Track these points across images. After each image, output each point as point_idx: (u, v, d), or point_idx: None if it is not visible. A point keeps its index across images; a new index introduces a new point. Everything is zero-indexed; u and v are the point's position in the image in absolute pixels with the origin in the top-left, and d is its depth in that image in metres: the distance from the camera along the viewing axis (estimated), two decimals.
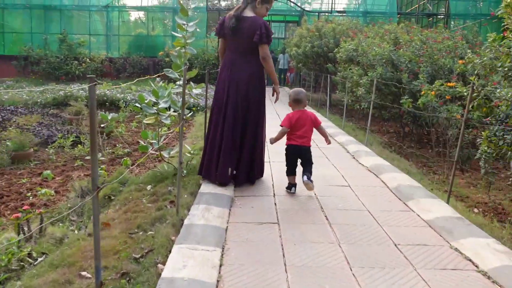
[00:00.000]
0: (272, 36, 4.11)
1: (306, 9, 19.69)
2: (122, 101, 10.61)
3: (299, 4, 19.26)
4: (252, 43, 3.95)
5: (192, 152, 5.04)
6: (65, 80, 17.78)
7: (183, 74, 3.54)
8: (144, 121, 4.25)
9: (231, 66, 4.10)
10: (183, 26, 4.47)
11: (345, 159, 5.54)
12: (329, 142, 4.19)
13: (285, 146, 4.11)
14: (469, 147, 6.19)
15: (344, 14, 19.15)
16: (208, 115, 4.78)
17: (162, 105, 4.25)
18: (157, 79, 4.34)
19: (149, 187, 4.37)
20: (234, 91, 4.02)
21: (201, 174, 4.25)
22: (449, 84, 6.10)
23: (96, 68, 18.35)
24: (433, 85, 6.20)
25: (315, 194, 3.94)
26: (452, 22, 19.01)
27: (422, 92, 6.27)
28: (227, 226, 3.05)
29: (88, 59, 18.43)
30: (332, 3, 19.17)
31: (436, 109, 6.13)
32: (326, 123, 8.73)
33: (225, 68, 4.16)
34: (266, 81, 4.41)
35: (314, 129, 4.24)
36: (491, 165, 4.71)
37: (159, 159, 5.46)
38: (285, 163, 4.11)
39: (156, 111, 4.19)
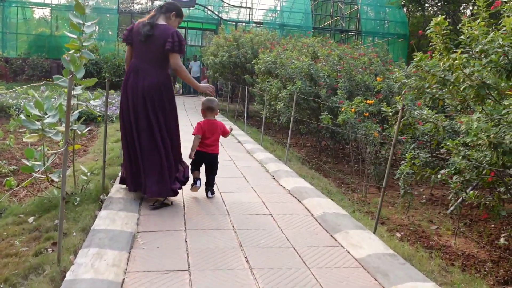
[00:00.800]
0: (185, 45, 3.98)
1: (223, 18, 19.33)
2: (14, 107, 9.33)
3: (216, 13, 18.84)
4: (162, 51, 3.80)
5: (89, 173, 4.29)
6: None
7: (69, 82, 2.87)
8: (25, 139, 3.45)
9: (136, 74, 3.85)
10: (79, 26, 3.77)
11: (265, 180, 5.12)
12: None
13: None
14: (386, 165, 6.11)
15: (262, 25, 19.09)
16: (110, 126, 4.10)
17: (49, 119, 3.50)
18: (42, 88, 3.56)
19: (31, 219, 3.57)
20: (141, 100, 3.81)
21: (128, 187, 4.02)
22: (368, 101, 5.99)
23: None
24: (353, 102, 6.06)
25: (233, 226, 3.43)
26: (362, 39, 19.82)
27: (342, 109, 6.10)
28: (123, 279, 2.41)
29: None
30: (249, 14, 19.03)
31: (354, 126, 6.00)
32: (243, 137, 8.32)
33: (131, 76, 3.89)
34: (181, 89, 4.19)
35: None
36: (408, 184, 4.59)
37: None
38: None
39: (40, 126, 3.42)
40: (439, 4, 18.30)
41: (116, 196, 3.82)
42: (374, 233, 3.49)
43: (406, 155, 4.47)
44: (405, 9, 20.76)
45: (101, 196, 3.87)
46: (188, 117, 11.09)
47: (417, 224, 4.60)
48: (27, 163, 3.78)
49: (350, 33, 21.15)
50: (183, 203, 4.01)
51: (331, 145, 8.06)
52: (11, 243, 3.07)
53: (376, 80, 6.98)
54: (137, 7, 20.65)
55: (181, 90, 19.60)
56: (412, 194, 4.60)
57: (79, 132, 4.08)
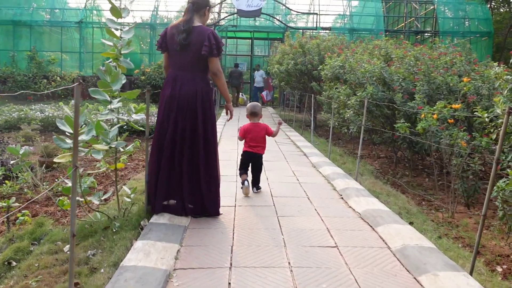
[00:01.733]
0: (223, 46, 3.72)
1: (291, 26, 18.85)
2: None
3: (283, 21, 18.41)
4: (199, 57, 3.54)
5: (132, 194, 3.91)
6: (33, 100, 16.53)
7: (76, 90, 2.45)
8: (56, 159, 3.11)
9: (175, 83, 3.61)
10: (116, 33, 3.42)
11: (332, 200, 4.44)
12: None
13: (241, 152, 4.78)
14: (476, 179, 5.20)
15: (330, 31, 18.33)
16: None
17: (82, 137, 3.14)
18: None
19: (67, 247, 3.21)
20: (180, 111, 3.59)
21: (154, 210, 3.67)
22: (454, 106, 5.10)
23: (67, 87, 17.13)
24: (435, 107, 5.21)
25: (289, 263, 2.81)
26: (441, 40, 18.33)
27: (422, 115, 5.27)
28: None
29: (58, 78, 17.24)
30: (317, 21, 18.38)
31: (436, 134, 5.15)
32: (309, 149, 7.67)
33: (168, 85, 3.67)
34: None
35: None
36: (509, 205, 3.72)
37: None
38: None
39: (70, 145, 3.07)
40: None
41: (159, 222, 3.37)
42: (471, 273, 2.70)
43: (508, 170, 3.60)
44: (487, 5, 18.97)
45: (142, 222, 3.44)
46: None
47: None
48: (68, 183, 3.48)
49: (426, 34, 19.72)
50: (233, 228, 3.46)
51: (408, 156, 7.16)
52: (43, 278, 2.70)
53: (462, 81, 6.05)
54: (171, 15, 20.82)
55: (248, 101, 19.33)
56: None
57: (121, 149, 3.71)
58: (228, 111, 3.89)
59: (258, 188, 4.71)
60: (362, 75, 7.03)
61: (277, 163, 6.26)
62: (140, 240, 2.96)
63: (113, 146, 3.45)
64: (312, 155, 6.86)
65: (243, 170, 4.64)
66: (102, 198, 3.58)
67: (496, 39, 18.97)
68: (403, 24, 20.89)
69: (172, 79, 3.62)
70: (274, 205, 4.16)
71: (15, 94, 2.24)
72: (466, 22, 19.33)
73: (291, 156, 6.81)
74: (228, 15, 18.28)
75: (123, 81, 3.51)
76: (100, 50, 19.69)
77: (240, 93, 18.36)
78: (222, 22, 18.29)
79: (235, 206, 4.11)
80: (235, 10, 17.08)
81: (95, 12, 19.32)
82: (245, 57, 22.14)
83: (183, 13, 3.69)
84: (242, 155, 4.70)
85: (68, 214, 4.35)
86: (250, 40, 19.76)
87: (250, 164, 4.67)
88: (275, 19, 18.48)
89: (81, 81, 1.89)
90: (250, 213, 3.87)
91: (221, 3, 18.09)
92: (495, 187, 3.68)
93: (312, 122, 9.13)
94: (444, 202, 5.35)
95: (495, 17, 19.53)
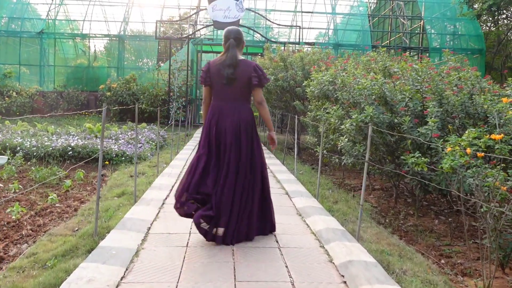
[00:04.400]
0: None
1: (270, 39, 17.53)
2: (18, 148, 7.79)
3: (262, 34, 17.08)
4: (246, 88, 3.77)
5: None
6: None
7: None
8: None
9: (222, 114, 3.75)
10: None
11: (328, 285, 2.90)
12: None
13: None
14: None
15: (313, 45, 17.08)
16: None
17: None
18: None
19: None
20: (229, 138, 3.69)
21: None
22: (495, 136, 3.68)
23: (24, 103, 15.39)
24: (463, 137, 3.81)
25: None
26: (429, 57, 17.27)
27: (448, 149, 3.84)
28: None
29: (14, 93, 15.48)
30: (300, 34, 17.10)
31: (458, 172, 3.78)
32: (293, 185, 6.17)
33: (215, 116, 3.77)
34: None
35: None
36: None
37: None
38: None
39: None
40: None
41: None
42: None
43: None
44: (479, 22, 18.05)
45: None
46: None
47: None
48: None
49: (413, 50, 18.68)
50: None
51: (419, 194, 5.72)
52: None
53: (483, 101, 4.71)
54: (171, 30, 19.36)
55: None
56: None
57: None
58: (271, 139, 4.02)
59: None
60: (358, 93, 5.62)
61: None
62: None
63: None
64: (297, 194, 5.36)
65: None
66: None
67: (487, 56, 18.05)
68: (388, 40, 19.87)
69: (218, 110, 3.77)
70: None
71: None
72: (456, 39, 18.39)
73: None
74: (203, 27, 16.89)
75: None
76: (63, 63, 18.07)
77: None
78: (198, 35, 16.88)
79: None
80: (211, 22, 15.71)
81: (57, 22, 17.72)
82: None
83: (224, 50, 3.80)
84: None
85: None
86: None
87: None
88: (255, 32, 17.16)
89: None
90: None
91: (196, 13, 16.69)
92: None
93: (295, 146, 7.69)
94: (467, 258, 4.01)
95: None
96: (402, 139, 5.35)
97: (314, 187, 6.63)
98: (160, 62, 18.23)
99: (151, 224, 3.85)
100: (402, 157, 5.00)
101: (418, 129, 4.91)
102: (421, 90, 5.54)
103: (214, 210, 3.50)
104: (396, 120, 5.34)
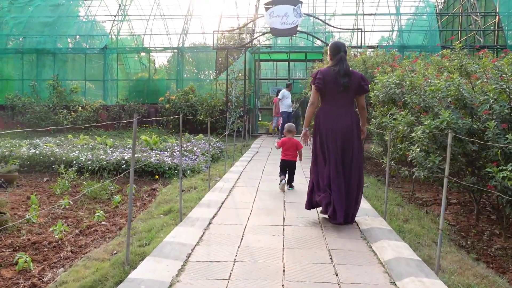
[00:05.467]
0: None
1: None
2: (74, 162, 7.76)
3: (322, 39, 16.41)
4: (354, 95, 4.41)
5: None
6: (52, 132, 15.31)
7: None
8: None
9: (335, 117, 4.34)
10: None
11: None
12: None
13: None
14: None
15: (376, 49, 16.13)
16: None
17: None
18: None
19: None
20: (343, 138, 4.32)
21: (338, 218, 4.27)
22: None
23: (88, 117, 15.84)
24: None
25: None
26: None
27: None
28: None
29: (80, 108, 15.99)
30: (361, 37, 16.22)
31: None
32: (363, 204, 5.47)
33: (329, 119, 4.36)
34: None
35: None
36: None
37: None
38: None
39: None
40: None
41: None
42: None
43: None
44: None
45: None
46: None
47: None
48: None
49: (489, 49, 17.09)
50: None
51: (507, 211, 4.84)
52: None
53: None
54: (231, 42, 19.19)
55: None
56: None
57: None
58: (363, 132, 4.62)
59: (291, 186, 6.27)
60: (431, 95, 4.88)
61: (307, 232, 4.12)
62: None
63: None
64: (361, 212, 4.68)
65: (281, 172, 6.19)
66: None
67: None
68: (458, 40, 18.40)
69: (331, 114, 4.34)
70: None
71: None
72: None
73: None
74: (260, 35, 16.54)
75: None
76: (125, 77, 18.50)
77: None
78: (255, 43, 16.57)
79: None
80: (269, 29, 15.32)
81: (120, 37, 18.19)
82: (282, 81, 20.30)
83: (334, 61, 4.39)
84: (280, 162, 6.25)
85: None
86: (287, 63, 17.88)
87: (287, 169, 6.20)
88: (314, 39, 16.54)
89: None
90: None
91: (253, 21, 16.40)
92: None
93: None
94: None
95: None
96: (484, 148, 4.54)
97: (381, 203, 5.91)
98: (218, 72, 18.08)
99: (192, 250, 3.39)
100: (488, 169, 4.21)
101: (507, 136, 4.12)
102: (507, 89, 4.69)
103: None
104: (475, 126, 4.55)
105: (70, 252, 4.07)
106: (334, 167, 4.24)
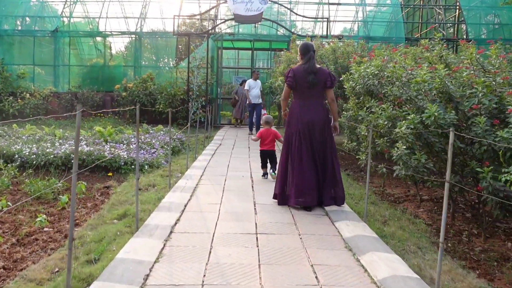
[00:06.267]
0: None
1: (297, 33, 16.32)
2: (16, 156, 6.92)
3: (287, 28, 15.91)
4: (322, 90, 4.88)
5: None
6: None
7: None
8: None
9: (306, 110, 4.83)
10: None
11: None
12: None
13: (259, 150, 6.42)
14: None
15: (342, 38, 15.82)
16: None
17: None
18: None
19: None
20: (313, 130, 4.79)
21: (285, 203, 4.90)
22: None
23: (37, 105, 14.68)
24: None
25: None
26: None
27: None
28: None
29: (28, 95, 14.78)
30: (327, 27, 15.85)
31: None
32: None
33: (300, 112, 4.84)
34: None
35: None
36: None
37: None
38: None
39: None
40: None
41: None
42: None
43: None
44: None
45: None
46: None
47: None
48: None
49: (451, 42, 17.20)
50: None
51: (495, 213, 4.53)
52: None
53: None
54: (192, 29, 18.36)
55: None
56: None
57: None
58: (335, 128, 5.09)
59: (274, 171, 6.25)
60: (415, 88, 4.48)
61: (284, 241, 3.61)
62: None
63: None
64: (340, 216, 4.24)
65: (263, 165, 6.47)
66: None
67: None
68: (419, 33, 18.43)
69: (299, 107, 4.89)
70: None
71: None
72: (496, 27, 16.86)
73: (306, 221, 4.21)
74: (223, 21, 15.85)
75: None
76: (79, 63, 17.34)
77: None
78: (218, 30, 15.85)
79: None
80: (232, 16, 14.65)
81: (73, 20, 16.96)
82: (245, 70, 19.69)
83: (304, 60, 4.88)
84: (260, 153, 6.48)
85: None
86: (251, 52, 17.27)
87: (268, 159, 6.40)
88: (279, 27, 16.01)
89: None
90: None
91: (216, 7, 15.66)
92: None
93: None
94: None
95: None
96: (469, 145, 4.22)
97: (355, 201, 5.54)
98: (178, 60, 17.26)
99: (150, 269, 2.81)
100: (478, 169, 3.88)
101: (498, 133, 3.79)
102: (494, 82, 4.37)
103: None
104: (456, 121, 4.20)
105: (2, 269, 3.39)
106: (309, 154, 4.73)
